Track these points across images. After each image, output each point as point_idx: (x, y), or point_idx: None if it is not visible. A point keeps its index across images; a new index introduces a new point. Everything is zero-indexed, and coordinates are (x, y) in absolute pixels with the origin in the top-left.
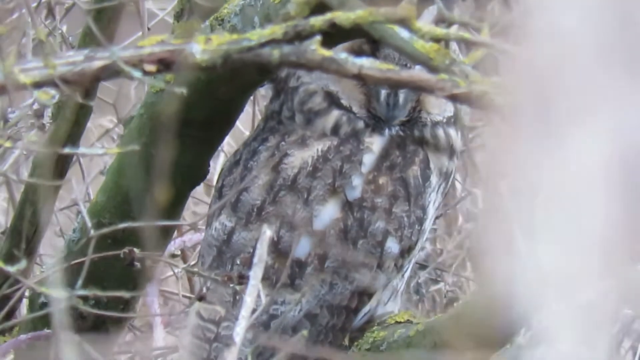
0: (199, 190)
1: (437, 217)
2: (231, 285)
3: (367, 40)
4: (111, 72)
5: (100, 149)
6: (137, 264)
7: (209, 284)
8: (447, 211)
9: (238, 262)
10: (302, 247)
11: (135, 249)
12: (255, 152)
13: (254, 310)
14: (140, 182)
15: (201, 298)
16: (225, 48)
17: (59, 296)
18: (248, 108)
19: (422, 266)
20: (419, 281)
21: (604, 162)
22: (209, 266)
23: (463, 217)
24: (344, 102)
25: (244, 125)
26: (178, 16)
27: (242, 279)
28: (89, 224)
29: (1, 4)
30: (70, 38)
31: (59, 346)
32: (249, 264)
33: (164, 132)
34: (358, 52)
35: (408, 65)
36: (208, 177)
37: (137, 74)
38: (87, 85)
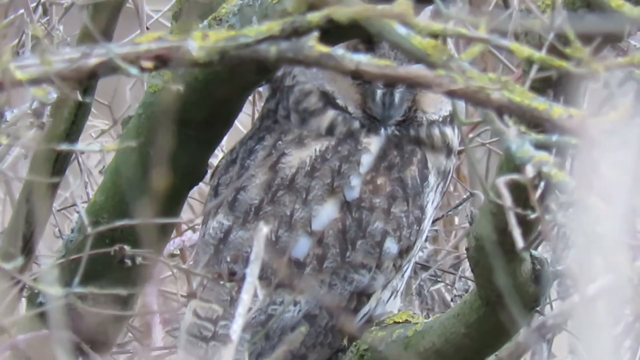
0: None
1: (437, 219)
2: (221, 282)
3: (363, 41)
4: (108, 68)
5: (97, 145)
6: (128, 262)
7: (205, 283)
8: (449, 213)
9: (228, 259)
10: (301, 248)
11: (125, 247)
12: (252, 151)
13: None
14: (137, 182)
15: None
16: (222, 44)
17: (55, 294)
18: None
19: (423, 267)
20: (421, 283)
21: None
22: (205, 264)
23: (461, 217)
24: (339, 102)
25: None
26: (176, 16)
27: (233, 277)
28: (87, 224)
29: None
30: (68, 39)
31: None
32: (239, 261)
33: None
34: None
35: (404, 64)
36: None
37: (133, 70)
38: (84, 82)
